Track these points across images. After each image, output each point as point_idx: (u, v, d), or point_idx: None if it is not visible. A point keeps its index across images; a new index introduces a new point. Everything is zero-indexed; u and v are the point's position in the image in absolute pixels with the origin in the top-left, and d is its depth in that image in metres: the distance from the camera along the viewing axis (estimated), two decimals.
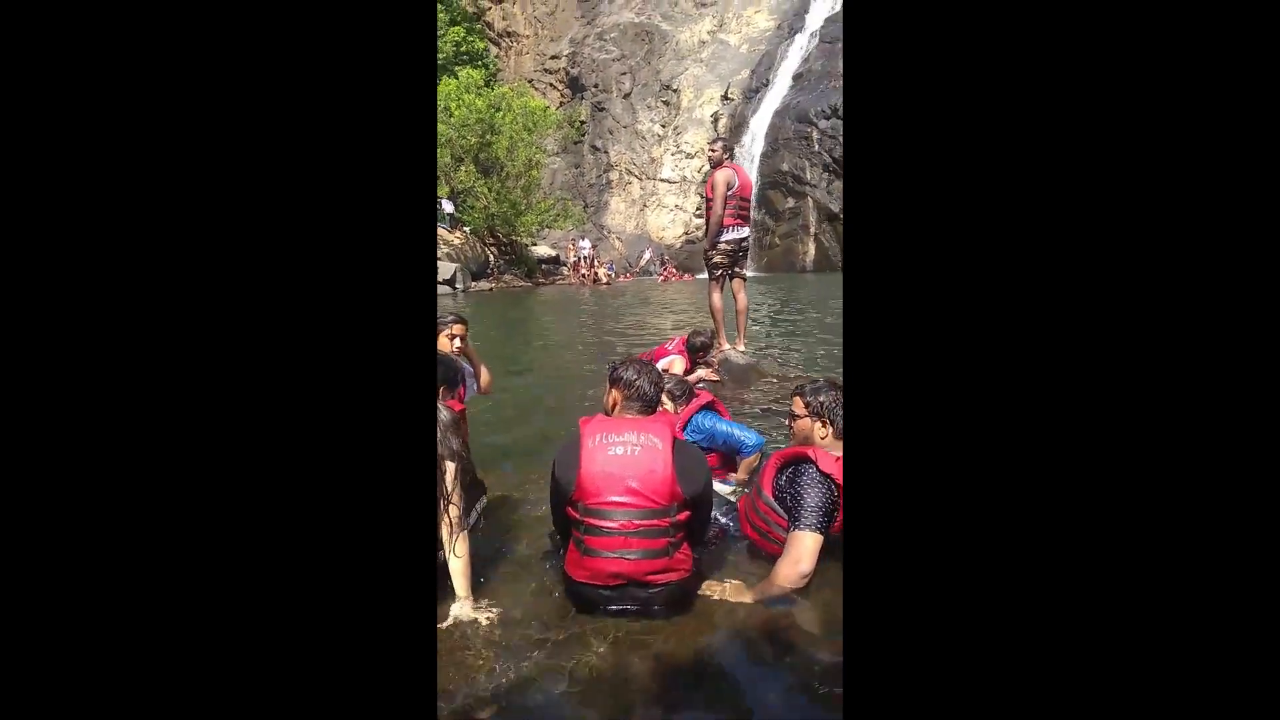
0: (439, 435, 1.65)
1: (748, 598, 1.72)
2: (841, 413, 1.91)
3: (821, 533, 1.73)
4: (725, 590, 1.75)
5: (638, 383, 1.79)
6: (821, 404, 1.95)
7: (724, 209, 4.34)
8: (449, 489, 1.66)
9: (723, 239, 4.43)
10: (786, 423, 2.20)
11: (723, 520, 2.12)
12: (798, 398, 2.03)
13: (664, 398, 2.49)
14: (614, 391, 1.83)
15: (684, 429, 2.45)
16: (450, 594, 1.65)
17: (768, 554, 1.89)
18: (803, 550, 1.71)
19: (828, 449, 1.86)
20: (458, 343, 2.58)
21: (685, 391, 2.59)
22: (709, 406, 2.56)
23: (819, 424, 1.95)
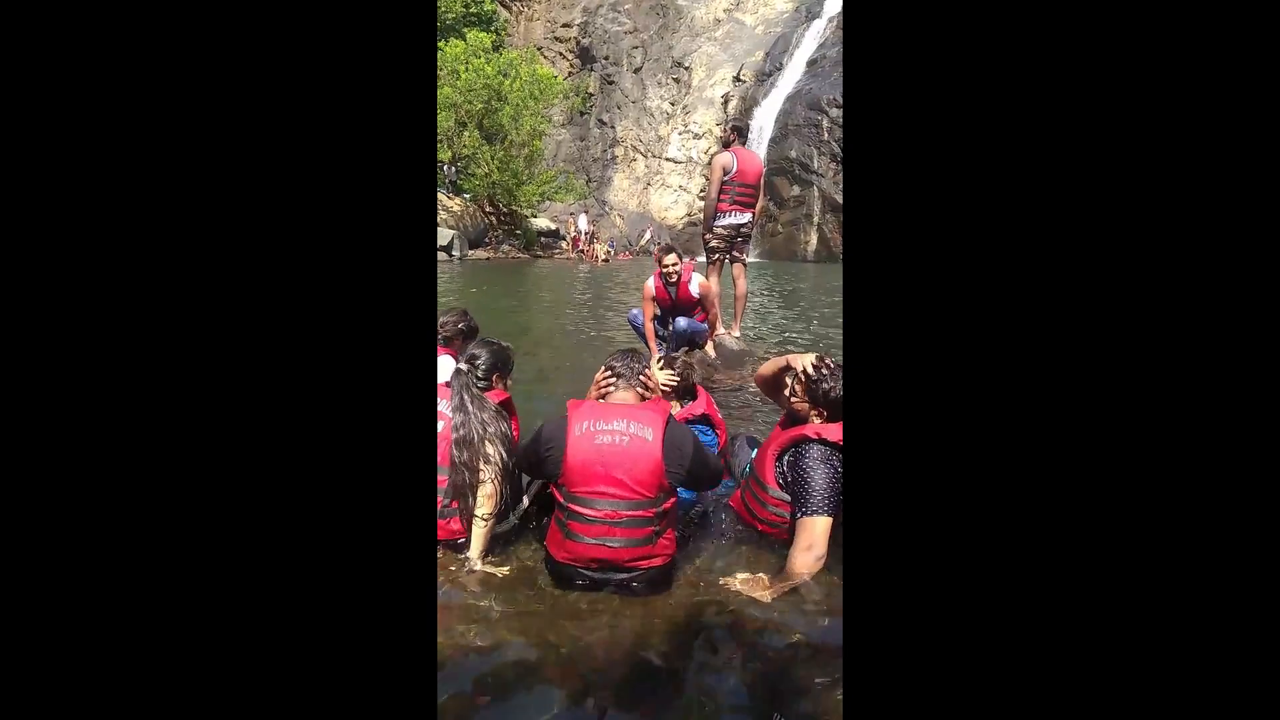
0: (482, 438, 1.77)
1: (766, 593, 1.66)
2: (837, 389, 1.82)
3: (831, 515, 1.69)
4: (744, 584, 1.70)
5: (614, 364, 1.88)
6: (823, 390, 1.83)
7: (718, 194, 4.31)
8: (477, 483, 1.76)
9: (719, 224, 4.39)
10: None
11: (708, 508, 2.10)
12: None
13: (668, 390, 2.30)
14: (598, 375, 1.89)
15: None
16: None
17: (780, 541, 1.85)
18: (814, 536, 1.69)
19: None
20: None
21: (687, 390, 2.34)
22: (705, 419, 2.26)
23: (814, 413, 1.87)
